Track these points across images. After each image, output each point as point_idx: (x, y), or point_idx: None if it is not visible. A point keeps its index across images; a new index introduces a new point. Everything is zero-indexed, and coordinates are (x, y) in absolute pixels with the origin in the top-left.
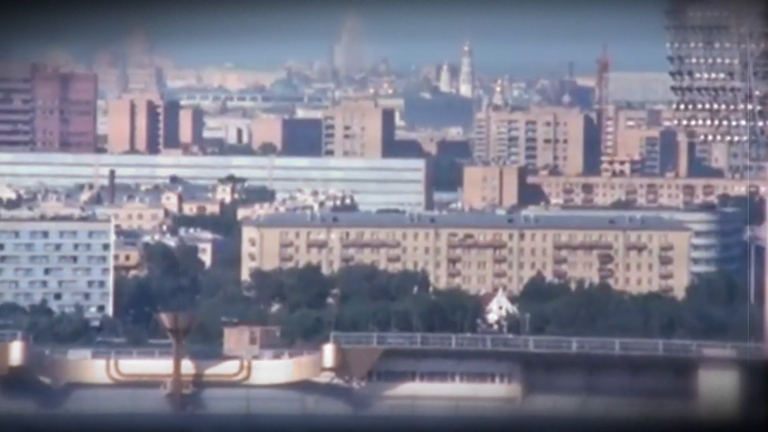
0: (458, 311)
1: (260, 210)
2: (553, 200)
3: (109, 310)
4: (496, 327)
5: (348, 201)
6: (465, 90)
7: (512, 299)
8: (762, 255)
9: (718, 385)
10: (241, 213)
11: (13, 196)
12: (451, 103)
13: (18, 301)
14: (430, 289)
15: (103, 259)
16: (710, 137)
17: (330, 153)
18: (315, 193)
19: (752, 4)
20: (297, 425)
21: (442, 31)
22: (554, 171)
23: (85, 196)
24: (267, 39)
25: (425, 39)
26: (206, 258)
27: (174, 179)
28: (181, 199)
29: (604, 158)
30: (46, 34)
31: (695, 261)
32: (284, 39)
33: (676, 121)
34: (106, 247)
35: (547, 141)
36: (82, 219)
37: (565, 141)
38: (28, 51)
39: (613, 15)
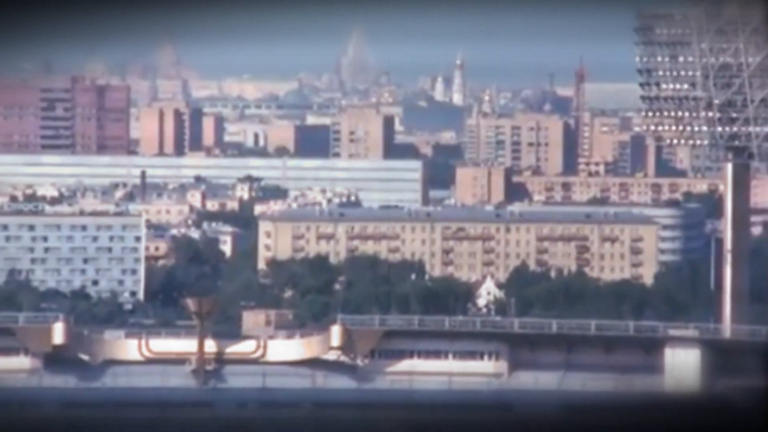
0: (451, 296)
1: (275, 206)
2: (536, 197)
3: (141, 295)
4: (484, 310)
5: (353, 198)
6: (457, 99)
7: (499, 285)
8: (721, 246)
9: (683, 361)
10: (258, 209)
11: (55, 193)
12: (445, 111)
13: (60, 287)
14: (426, 276)
15: (135, 249)
16: (675, 141)
17: (337, 155)
18: (323, 191)
19: (711, 23)
20: (307, 398)
21: (437, 47)
22: (537, 171)
23: (119, 193)
24: (281, 53)
25: (422, 54)
26: (226, 249)
27: (198, 179)
28: (204, 197)
29: (580, 160)
30: (85, 49)
31: (662, 251)
32: (296, 53)
33: (645, 127)
34: (137, 239)
35: (530, 144)
36: (117, 214)
37: (546, 144)
38: (69, 65)
39: (589, 33)
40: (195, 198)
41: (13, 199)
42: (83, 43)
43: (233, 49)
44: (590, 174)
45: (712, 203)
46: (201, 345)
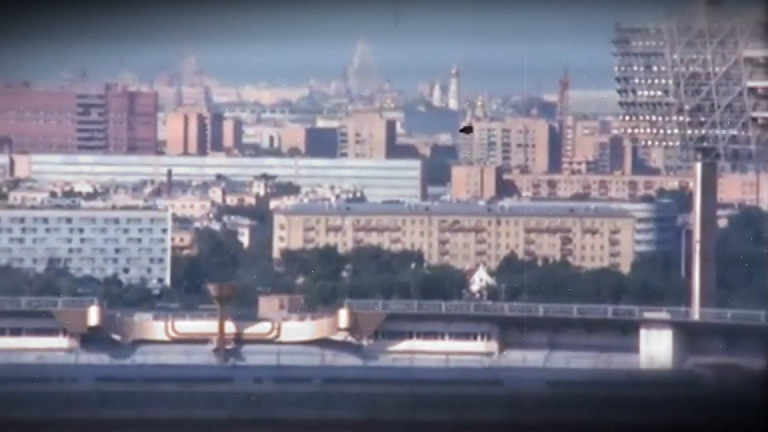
0: (447, 283)
1: (288, 201)
2: (524, 193)
3: (167, 282)
4: (477, 295)
5: (358, 194)
6: (453, 104)
7: (491, 273)
8: (690, 237)
9: (656, 341)
10: (273, 204)
11: (90, 190)
12: (441, 115)
13: (94, 274)
14: (424, 265)
15: (162, 241)
16: (650, 143)
17: (344, 155)
18: (332, 188)
19: (682, 36)
20: (317, 375)
21: (434, 57)
22: (524, 170)
23: (147, 190)
24: (293, 62)
25: (422, 63)
26: (244, 240)
27: (219, 176)
28: (224, 193)
29: (564, 159)
30: (117, 59)
31: (638, 242)
32: (307, 63)
33: (622, 130)
34: (164, 231)
35: (518, 145)
36: (145, 209)
37: (533, 145)
38: (103, 73)
39: (573, 44)
40: (216, 194)
41: (53, 195)
42: (115, 53)
43: (251, 59)
44: (573, 172)
45: (682, 199)
46: (221, 326)
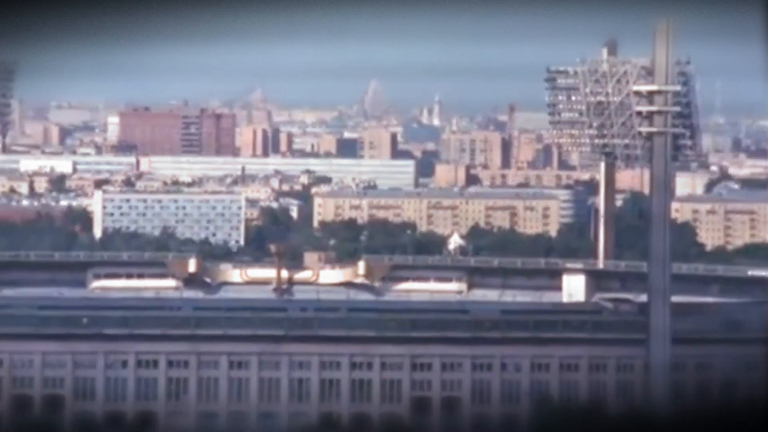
0: (432, 244)
1: (323, 188)
2: (485, 183)
3: (242, 242)
4: (453, 252)
5: (372, 183)
6: (436, 122)
7: (462, 237)
8: (597, 213)
9: (574, 284)
10: (313, 190)
11: (190, 180)
12: (429, 130)
13: (193, 237)
14: (417, 231)
15: (238, 215)
16: (570, 148)
17: (362, 157)
18: (353, 179)
19: (591, 76)
20: (344, 306)
21: (424, 90)
22: (485, 167)
23: (228, 180)
24: (328, 94)
25: (415, 94)
26: (294, 214)
27: (276, 171)
28: (280, 182)
29: (512, 160)
30: (207, 91)
31: (561, 216)
32: (336, 94)
33: (552, 140)
34: (239, 208)
35: (481, 150)
36: (227, 193)
37: (491, 150)
38: (199, 101)
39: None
40: (274, 183)
41: (164, 183)
42: (207, 87)
43: (298, 91)
44: (518, 168)
45: (592, 187)
46: (279, 273)
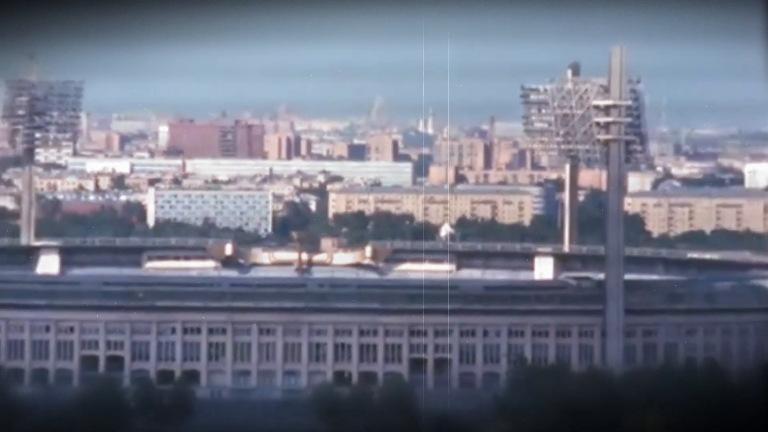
0: (427, 231)
1: (337, 186)
2: (471, 181)
3: (270, 230)
4: (444, 238)
5: (377, 182)
6: (430, 130)
7: (452, 226)
8: (563, 206)
9: (544, 265)
10: (329, 187)
11: (227, 179)
12: (424, 137)
13: (229, 226)
14: (414, 221)
15: (266, 207)
16: (541, 152)
17: (368, 159)
18: (362, 178)
19: (557, 93)
20: (354, 283)
21: (418, 106)
22: (471, 168)
23: (258, 179)
24: (341, 106)
25: (411, 109)
26: (312, 207)
27: (298, 171)
28: (301, 181)
29: (493, 162)
30: (241, 105)
31: (534, 209)
32: (348, 106)
33: (526, 145)
34: (267, 202)
35: (468, 155)
36: (257, 190)
37: (476, 155)
38: (234, 114)
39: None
40: (296, 182)
41: (205, 182)
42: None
43: (317, 103)
44: (498, 169)
45: (559, 184)
46: (300, 256)
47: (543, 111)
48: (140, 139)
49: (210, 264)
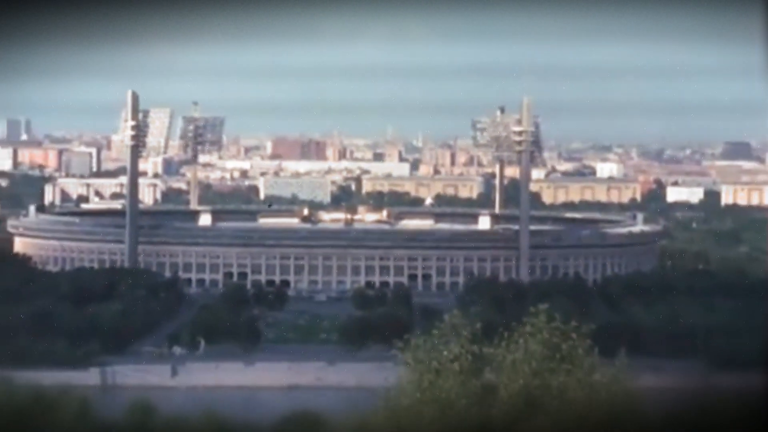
0: (418, 202)
1: (366, 176)
2: (443, 173)
3: (329, 202)
4: (428, 206)
5: (389, 174)
6: (421, 144)
7: (432, 199)
8: (495, 189)
9: (485, 221)
10: (363, 177)
11: (303, 171)
12: (416, 148)
13: (306, 198)
14: (410, 196)
15: (327, 188)
16: (484, 157)
17: (384, 161)
18: (380, 173)
19: (493, 123)
20: (377, 230)
21: (413, 124)
22: (443, 166)
23: (322, 172)
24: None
25: (408, 128)
26: (353, 188)
27: (345, 168)
28: (346, 173)
29: (456, 163)
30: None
31: (479, 190)
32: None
33: (475, 153)
34: (327, 185)
35: (440, 158)
36: (322, 177)
37: (446, 158)
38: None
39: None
40: (344, 173)
41: (293, 173)
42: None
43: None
44: (459, 167)
45: (493, 176)
46: (346, 216)
47: (484, 133)
48: (255, 149)
49: (295, 220)
